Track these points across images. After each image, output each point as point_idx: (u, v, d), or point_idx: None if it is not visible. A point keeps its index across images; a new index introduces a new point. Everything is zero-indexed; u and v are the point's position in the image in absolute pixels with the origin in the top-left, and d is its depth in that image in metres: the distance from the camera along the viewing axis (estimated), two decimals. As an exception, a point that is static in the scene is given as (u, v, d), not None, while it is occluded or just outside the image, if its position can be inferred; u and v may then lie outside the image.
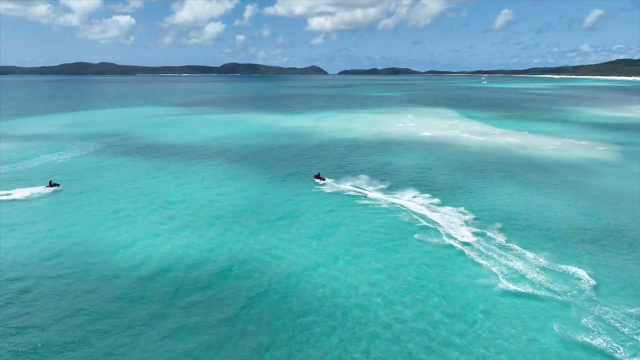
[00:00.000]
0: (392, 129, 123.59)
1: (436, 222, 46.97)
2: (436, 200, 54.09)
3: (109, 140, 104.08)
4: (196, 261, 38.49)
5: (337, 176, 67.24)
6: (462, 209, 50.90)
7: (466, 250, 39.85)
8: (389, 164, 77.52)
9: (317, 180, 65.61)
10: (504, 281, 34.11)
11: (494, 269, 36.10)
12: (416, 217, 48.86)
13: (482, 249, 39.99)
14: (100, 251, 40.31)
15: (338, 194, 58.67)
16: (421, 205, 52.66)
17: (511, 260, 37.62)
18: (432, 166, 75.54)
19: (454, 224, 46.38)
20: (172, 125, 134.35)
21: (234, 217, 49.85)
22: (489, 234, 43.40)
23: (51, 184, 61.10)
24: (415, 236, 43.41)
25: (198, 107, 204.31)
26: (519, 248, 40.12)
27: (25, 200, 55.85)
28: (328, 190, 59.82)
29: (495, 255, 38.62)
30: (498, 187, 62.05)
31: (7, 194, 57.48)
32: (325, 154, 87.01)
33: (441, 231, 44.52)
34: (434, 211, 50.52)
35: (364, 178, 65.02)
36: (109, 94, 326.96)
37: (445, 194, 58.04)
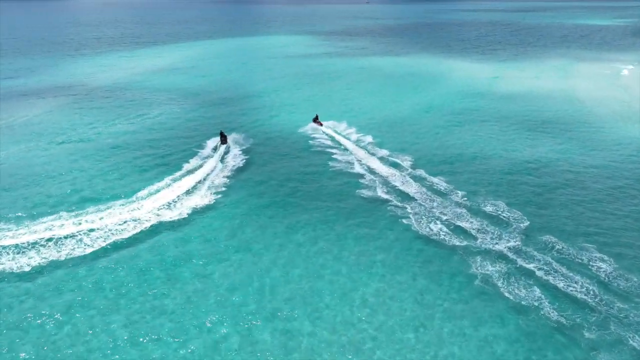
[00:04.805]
0: None
1: None
2: None
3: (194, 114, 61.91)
4: None
5: None
6: None
7: None
8: None
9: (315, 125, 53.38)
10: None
11: None
12: None
13: None
14: None
15: None
16: None
17: None
18: None
19: None
20: (314, 82, 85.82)
21: None
22: None
23: (223, 136, 48.99)
24: None
25: (353, 42, 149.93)
26: None
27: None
28: None
29: None
30: None
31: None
32: None
33: None
34: None
35: None
36: (253, 18, 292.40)
37: None
